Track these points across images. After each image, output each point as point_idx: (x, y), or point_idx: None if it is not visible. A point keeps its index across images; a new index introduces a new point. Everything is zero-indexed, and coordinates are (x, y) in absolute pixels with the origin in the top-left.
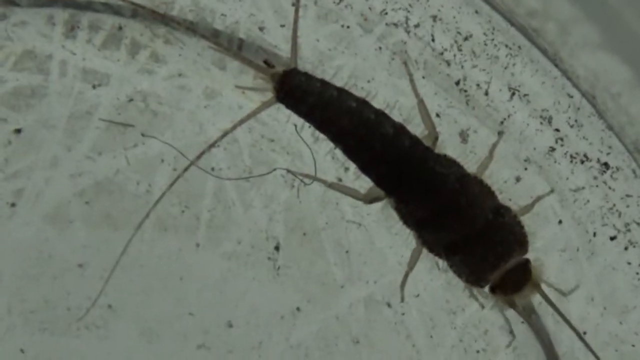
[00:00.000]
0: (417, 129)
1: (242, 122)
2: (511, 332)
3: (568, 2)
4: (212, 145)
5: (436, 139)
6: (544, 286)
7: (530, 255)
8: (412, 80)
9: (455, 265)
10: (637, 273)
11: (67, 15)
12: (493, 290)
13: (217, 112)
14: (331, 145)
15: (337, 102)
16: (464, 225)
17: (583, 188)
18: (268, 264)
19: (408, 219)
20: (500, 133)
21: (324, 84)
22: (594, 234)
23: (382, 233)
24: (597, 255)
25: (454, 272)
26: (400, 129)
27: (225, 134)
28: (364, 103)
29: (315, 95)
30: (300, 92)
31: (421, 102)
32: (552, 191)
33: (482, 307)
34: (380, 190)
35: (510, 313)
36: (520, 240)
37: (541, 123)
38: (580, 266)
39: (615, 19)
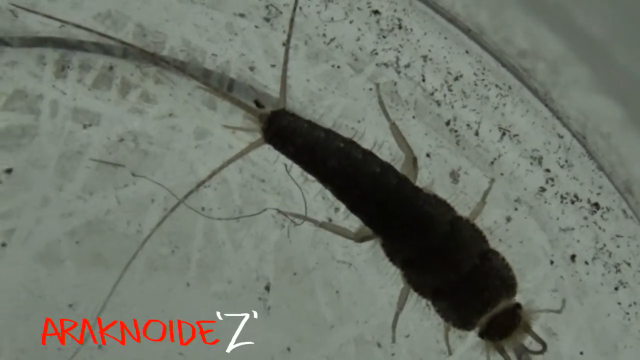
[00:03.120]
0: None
1: (229, 162)
2: None
3: (559, 42)
4: (200, 185)
5: (415, 160)
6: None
7: (520, 296)
8: (381, 103)
9: (441, 310)
10: (627, 313)
11: (57, 55)
12: (481, 335)
13: (207, 152)
14: (321, 185)
15: (325, 143)
16: (451, 269)
17: (573, 228)
18: (259, 304)
19: (394, 256)
20: (491, 180)
21: (312, 125)
22: (585, 274)
23: (373, 273)
24: (587, 295)
25: (441, 316)
26: (387, 168)
27: (212, 174)
28: (351, 143)
29: (302, 136)
30: (287, 133)
31: (394, 126)
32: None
33: (450, 353)
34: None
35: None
36: (507, 285)
37: (531, 163)
38: (570, 306)
39: (606, 59)
